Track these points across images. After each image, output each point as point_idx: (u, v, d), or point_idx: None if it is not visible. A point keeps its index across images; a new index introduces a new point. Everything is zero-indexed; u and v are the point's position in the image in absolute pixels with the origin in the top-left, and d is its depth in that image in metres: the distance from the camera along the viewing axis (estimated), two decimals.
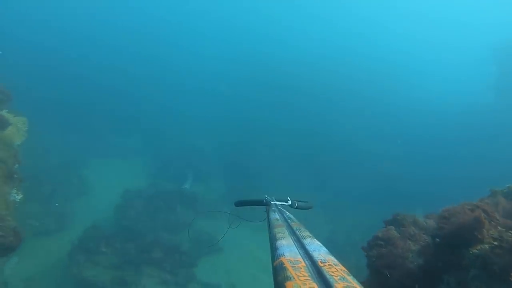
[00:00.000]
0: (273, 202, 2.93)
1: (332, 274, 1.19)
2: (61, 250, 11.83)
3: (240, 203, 3.35)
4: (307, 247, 1.52)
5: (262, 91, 30.50)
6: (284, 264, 1.30)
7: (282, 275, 1.22)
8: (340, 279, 1.15)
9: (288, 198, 3.09)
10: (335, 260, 1.35)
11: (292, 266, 1.27)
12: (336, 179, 21.08)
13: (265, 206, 2.94)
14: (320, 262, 1.31)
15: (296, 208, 3.09)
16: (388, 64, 38.05)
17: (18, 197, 7.09)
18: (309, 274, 1.21)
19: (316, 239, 1.64)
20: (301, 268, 1.27)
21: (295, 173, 21.88)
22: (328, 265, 1.28)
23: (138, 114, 26.50)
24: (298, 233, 1.76)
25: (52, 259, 11.67)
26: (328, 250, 1.53)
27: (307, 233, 1.79)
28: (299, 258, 1.39)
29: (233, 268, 13.36)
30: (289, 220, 2.12)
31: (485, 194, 4.16)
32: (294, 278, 1.17)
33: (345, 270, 1.25)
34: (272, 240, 1.73)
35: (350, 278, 1.17)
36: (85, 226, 14.02)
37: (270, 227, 2.07)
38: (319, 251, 1.45)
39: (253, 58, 37.63)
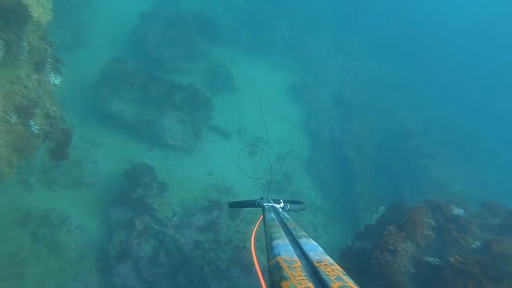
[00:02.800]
0: (265, 204, 2.89)
1: (328, 273, 1.19)
2: (81, 72, 12.18)
3: (234, 205, 3.42)
4: (303, 246, 1.52)
5: None
6: (280, 264, 1.30)
7: (278, 274, 1.22)
8: (336, 278, 1.15)
9: (281, 200, 3.04)
10: (331, 259, 1.36)
11: (288, 266, 1.27)
12: (363, 21, 19.63)
13: (260, 209, 2.89)
14: (316, 261, 1.31)
15: (288, 210, 3.07)
16: None
17: (57, 80, 7.12)
18: (305, 273, 1.21)
19: (312, 239, 1.63)
20: (297, 267, 1.26)
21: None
22: (324, 264, 1.28)
23: None
24: (294, 233, 1.75)
25: (72, 81, 12.05)
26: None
27: (303, 232, 1.78)
28: (295, 258, 1.39)
29: (245, 111, 14.32)
30: (285, 220, 2.12)
31: None
32: (290, 277, 1.16)
33: (341, 269, 1.26)
34: (268, 240, 1.73)
35: (345, 277, 1.17)
36: (104, 42, 14.03)
37: (265, 227, 2.07)
38: (315, 251, 1.45)
39: None
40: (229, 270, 8.38)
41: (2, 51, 5.31)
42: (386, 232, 5.29)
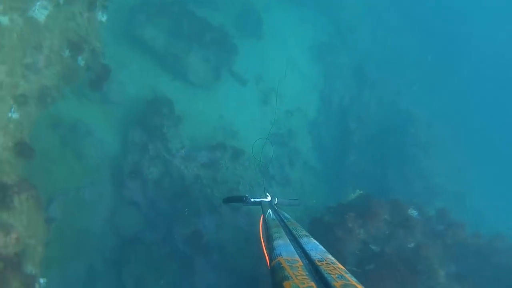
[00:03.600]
0: (252, 200, 3.10)
1: (330, 272, 1.19)
2: None
3: (228, 200, 3.60)
4: (304, 246, 1.54)
5: None
6: (281, 264, 1.30)
7: (280, 275, 1.23)
8: (338, 277, 1.15)
9: (268, 194, 3.17)
10: (333, 258, 1.37)
11: (290, 266, 1.27)
12: None
13: (261, 207, 3.02)
14: (318, 261, 1.32)
15: (276, 204, 3.14)
16: None
17: (104, 18, 7.92)
18: (307, 273, 1.23)
19: (313, 238, 1.67)
20: (298, 267, 1.26)
21: None
22: (326, 263, 1.29)
23: None
24: (295, 233, 1.78)
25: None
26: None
27: (304, 232, 1.82)
28: (296, 257, 1.39)
29: (266, 61, 14.94)
30: (285, 220, 2.17)
31: None
32: (292, 277, 1.16)
33: (343, 268, 1.27)
34: (269, 240, 1.74)
35: (348, 276, 1.17)
36: None
37: (266, 227, 2.08)
38: (316, 250, 1.47)
39: None
40: (220, 207, 9.90)
41: None
42: (347, 216, 6.55)
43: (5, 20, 5.35)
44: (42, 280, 4.94)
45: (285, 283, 1.14)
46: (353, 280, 1.14)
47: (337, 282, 1.11)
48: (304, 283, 1.12)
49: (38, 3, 5.64)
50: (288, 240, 1.68)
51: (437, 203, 11.05)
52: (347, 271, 1.24)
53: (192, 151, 11.18)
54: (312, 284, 1.12)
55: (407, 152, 12.92)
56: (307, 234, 1.80)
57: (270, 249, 1.60)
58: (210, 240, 9.42)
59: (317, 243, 1.62)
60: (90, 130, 10.39)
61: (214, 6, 14.53)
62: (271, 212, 2.56)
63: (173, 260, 9.28)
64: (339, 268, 1.26)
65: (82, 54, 6.88)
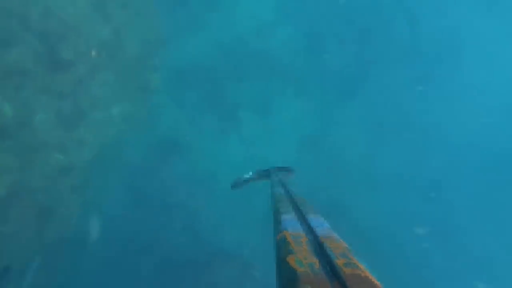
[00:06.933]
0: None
1: (334, 250, 1.23)
2: None
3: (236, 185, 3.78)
4: (310, 222, 1.55)
5: None
6: (286, 239, 1.35)
7: (284, 249, 1.28)
8: (340, 255, 1.19)
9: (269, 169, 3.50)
10: (337, 236, 1.40)
11: (294, 241, 1.31)
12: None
13: (269, 181, 3.09)
14: (322, 237, 1.35)
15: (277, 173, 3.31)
16: None
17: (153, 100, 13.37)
18: (311, 249, 1.26)
19: (320, 215, 1.69)
20: (303, 242, 1.31)
21: None
22: (330, 241, 1.33)
23: None
24: (302, 208, 1.79)
25: None
26: None
27: (310, 208, 1.82)
28: (302, 233, 1.43)
29: (262, 134, 19.51)
30: (293, 195, 2.16)
31: None
32: (295, 252, 1.21)
33: (347, 247, 1.30)
34: (275, 214, 1.78)
35: (351, 255, 1.21)
36: None
37: (273, 201, 2.13)
38: (322, 227, 1.49)
39: None
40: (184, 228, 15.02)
41: None
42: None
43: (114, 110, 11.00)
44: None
45: (289, 258, 1.19)
46: (355, 260, 1.19)
47: (340, 260, 1.16)
48: (308, 259, 1.18)
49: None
50: (294, 215, 1.69)
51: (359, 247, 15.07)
52: (351, 250, 1.28)
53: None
54: (315, 260, 1.18)
55: None
56: (314, 210, 1.78)
57: (276, 223, 1.62)
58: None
59: (324, 220, 1.61)
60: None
61: (240, 77, 18.76)
62: (278, 186, 2.56)
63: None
64: (343, 246, 1.30)
65: None
